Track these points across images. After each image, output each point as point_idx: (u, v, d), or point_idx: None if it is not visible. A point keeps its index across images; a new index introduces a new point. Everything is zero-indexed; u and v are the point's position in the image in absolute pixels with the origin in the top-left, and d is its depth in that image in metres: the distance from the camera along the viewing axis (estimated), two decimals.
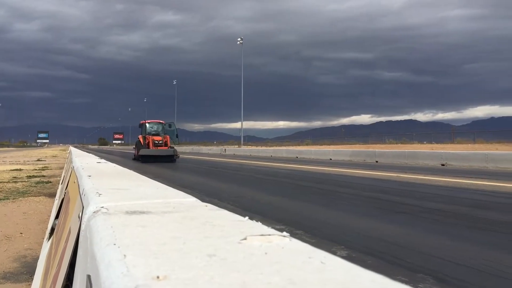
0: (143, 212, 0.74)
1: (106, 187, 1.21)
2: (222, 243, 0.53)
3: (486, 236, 5.08)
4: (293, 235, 3.03)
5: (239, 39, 61.94)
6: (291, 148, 44.26)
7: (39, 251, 4.70)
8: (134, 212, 0.74)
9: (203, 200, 1.30)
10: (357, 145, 42.79)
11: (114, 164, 2.66)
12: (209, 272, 0.50)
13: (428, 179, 12.88)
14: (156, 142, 27.31)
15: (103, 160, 3.46)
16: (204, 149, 56.81)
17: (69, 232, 1.43)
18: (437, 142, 43.02)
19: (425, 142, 45.19)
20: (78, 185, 1.79)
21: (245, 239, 0.55)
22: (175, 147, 28.30)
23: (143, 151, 26.03)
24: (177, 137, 29.38)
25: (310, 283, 0.47)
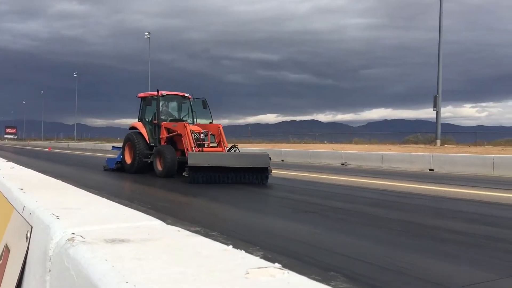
0: (122, 241, 0.76)
1: (53, 205, 1.19)
2: (230, 279, 0.59)
3: (385, 234, 5.55)
4: (209, 236, 3.12)
5: (146, 33, 60.39)
6: None
7: None
8: (113, 241, 0.76)
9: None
10: (264, 144, 43.82)
11: (34, 172, 2.53)
12: None
13: (330, 178, 13.63)
14: (198, 137, 12.87)
15: (16, 165, 3.25)
16: (108, 145, 54.55)
17: (7, 250, 1.38)
18: (337, 142, 45.48)
19: (325, 142, 47.55)
20: (7, 198, 1.71)
21: (248, 273, 0.61)
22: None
23: (196, 157, 11.19)
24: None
25: None
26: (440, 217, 6.81)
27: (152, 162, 13.62)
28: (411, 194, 9.56)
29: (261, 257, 3.39)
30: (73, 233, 0.86)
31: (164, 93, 14.76)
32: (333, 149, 27.01)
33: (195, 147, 12.34)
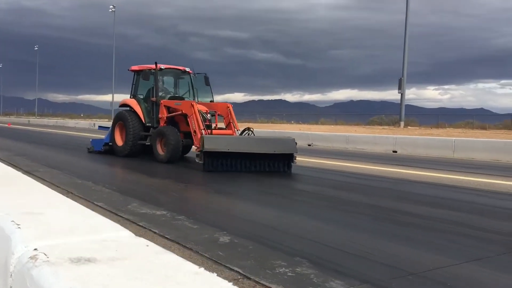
0: (88, 260, 0.73)
1: (14, 209, 1.14)
2: None
3: (350, 218, 5.66)
4: (175, 220, 3.13)
5: (111, 6, 58.62)
6: None
7: None
8: (79, 260, 0.73)
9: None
10: None
11: None
12: None
13: (297, 159, 13.72)
14: (205, 117, 11.56)
15: None
16: (71, 122, 53.25)
17: None
18: (304, 122, 45.89)
19: (293, 122, 47.90)
20: None
21: None
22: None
23: (213, 141, 9.89)
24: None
25: None
26: (402, 200, 6.98)
27: (150, 144, 12.28)
28: (375, 177, 9.76)
29: (228, 242, 3.38)
30: (35, 249, 0.82)
31: (162, 66, 13.15)
32: (300, 130, 27.22)
33: (204, 129, 10.89)
